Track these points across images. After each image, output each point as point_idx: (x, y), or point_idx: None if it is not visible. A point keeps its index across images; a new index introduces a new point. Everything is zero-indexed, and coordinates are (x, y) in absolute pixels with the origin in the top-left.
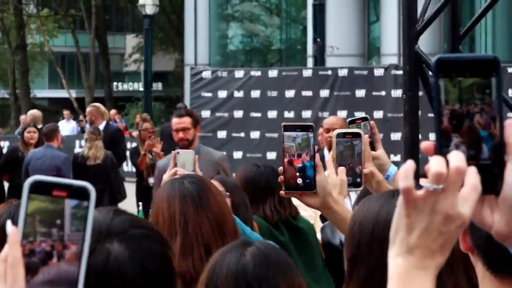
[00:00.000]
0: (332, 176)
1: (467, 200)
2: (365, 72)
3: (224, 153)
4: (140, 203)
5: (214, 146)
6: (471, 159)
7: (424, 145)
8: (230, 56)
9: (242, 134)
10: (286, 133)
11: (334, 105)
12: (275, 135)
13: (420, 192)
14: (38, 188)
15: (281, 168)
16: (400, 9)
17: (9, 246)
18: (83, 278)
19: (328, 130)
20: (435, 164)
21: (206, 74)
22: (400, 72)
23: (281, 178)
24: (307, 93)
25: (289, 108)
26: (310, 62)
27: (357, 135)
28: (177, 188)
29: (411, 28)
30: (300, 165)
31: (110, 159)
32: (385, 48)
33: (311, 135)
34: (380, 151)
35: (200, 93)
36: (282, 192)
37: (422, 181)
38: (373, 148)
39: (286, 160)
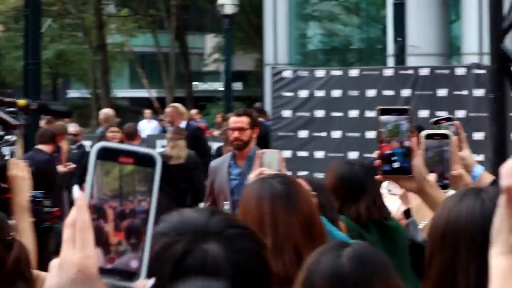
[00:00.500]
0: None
1: None
2: (446, 71)
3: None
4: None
5: (295, 146)
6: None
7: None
8: (309, 56)
9: (324, 134)
10: (382, 117)
11: (416, 104)
12: (357, 134)
13: None
14: (105, 155)
15: (377, 152)
16: (481, 7)
17: (77, 211)
18: (147, 261)
19: None
20: None
21: (287, 74)
22: (482, 71)
23: (377, 161)
24: (389, 93)
25: (370, 108)
26: (390, 61)
27: (445, 137)
28: (266, 188)
29: (497, 27)
30: (396, 149)
31: (193, 158)
32: (465, 47)
33: (407, 119)
34: (466, 152)
35: (281, 93)
36: (379, 176)
37: None
38: (458, 148)
39: (382, 144)
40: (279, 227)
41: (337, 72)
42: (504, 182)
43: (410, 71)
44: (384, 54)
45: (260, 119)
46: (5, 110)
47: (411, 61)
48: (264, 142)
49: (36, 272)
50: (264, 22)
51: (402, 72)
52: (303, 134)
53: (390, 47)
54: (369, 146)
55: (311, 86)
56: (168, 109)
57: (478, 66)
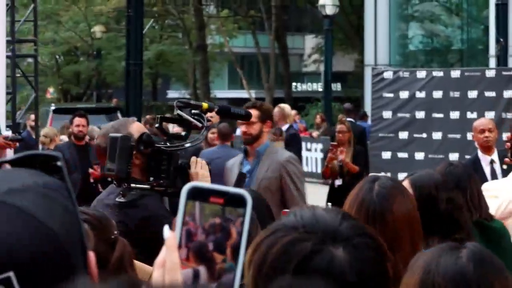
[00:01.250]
0: None
1: None
2: None
3: (293, 155)
4: (329, 204)
5: (395, 147)
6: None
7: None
8: (410, 57)
9: (424, 135)
10: None
11: None
12: (458, 136)
13: None
14: (196, 194)
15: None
16: None
17: (167, 251)
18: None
19: (482, 131)
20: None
21: (388, 75)
22: None
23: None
24: (490, 94)
25: (471, 109)
26: (492, 62)
27: None
28: (364, 189)
29: None
30: None
31: None
32: None
33: None
34: None
35: (382, 94)
36: (507, 159)
37: None
38: None
39: None
40: (389, 225)
41: (438, 73)
42: None
43: None
44: (485, 55)
45: (350, 119)
46: (190, 112)
47: None
48: (360, 143)
49: (140, 266)
50: (365, 22)
51: (504, 73)
52: (403, 135)
53: (492, 48)
54: (469, 147)
55: (412, 87)
56: (275, 109)
57: None
